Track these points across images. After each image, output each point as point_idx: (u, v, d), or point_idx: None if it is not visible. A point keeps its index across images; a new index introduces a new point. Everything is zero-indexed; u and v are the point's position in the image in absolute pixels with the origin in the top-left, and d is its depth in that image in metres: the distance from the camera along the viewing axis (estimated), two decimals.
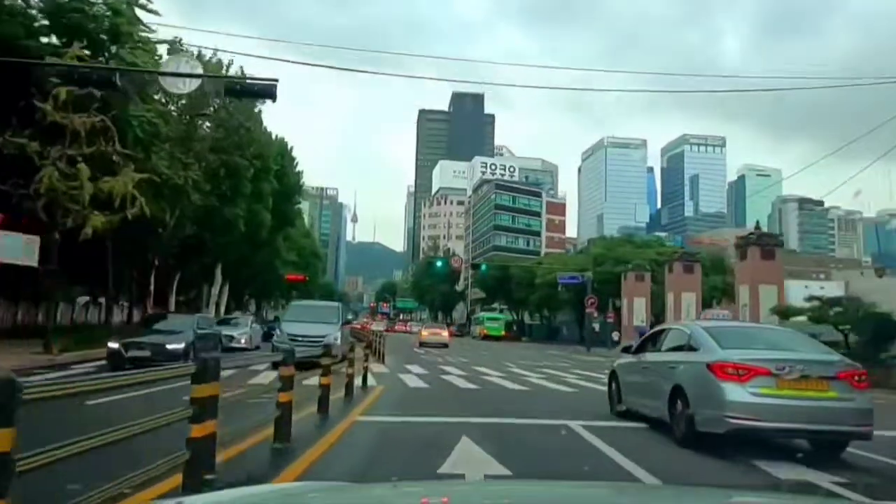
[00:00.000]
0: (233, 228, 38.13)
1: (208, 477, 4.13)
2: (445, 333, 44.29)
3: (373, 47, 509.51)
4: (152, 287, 32.58)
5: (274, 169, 49.09)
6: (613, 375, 10.60)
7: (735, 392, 7.00)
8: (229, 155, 32.42)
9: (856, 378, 7.22)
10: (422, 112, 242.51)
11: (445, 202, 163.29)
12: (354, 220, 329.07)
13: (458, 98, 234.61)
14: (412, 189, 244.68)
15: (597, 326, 44.21)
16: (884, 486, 6.23)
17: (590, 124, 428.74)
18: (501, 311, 76.32)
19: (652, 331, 10.86)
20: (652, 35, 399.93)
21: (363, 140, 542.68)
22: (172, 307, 37.02)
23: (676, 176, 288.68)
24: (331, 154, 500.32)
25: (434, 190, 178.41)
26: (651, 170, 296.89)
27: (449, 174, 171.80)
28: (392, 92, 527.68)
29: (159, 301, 38.18)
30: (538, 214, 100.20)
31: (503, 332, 66.04)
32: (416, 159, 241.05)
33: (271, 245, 56.33)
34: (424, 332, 44.03)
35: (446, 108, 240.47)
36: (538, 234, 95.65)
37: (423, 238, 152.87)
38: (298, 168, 55.17)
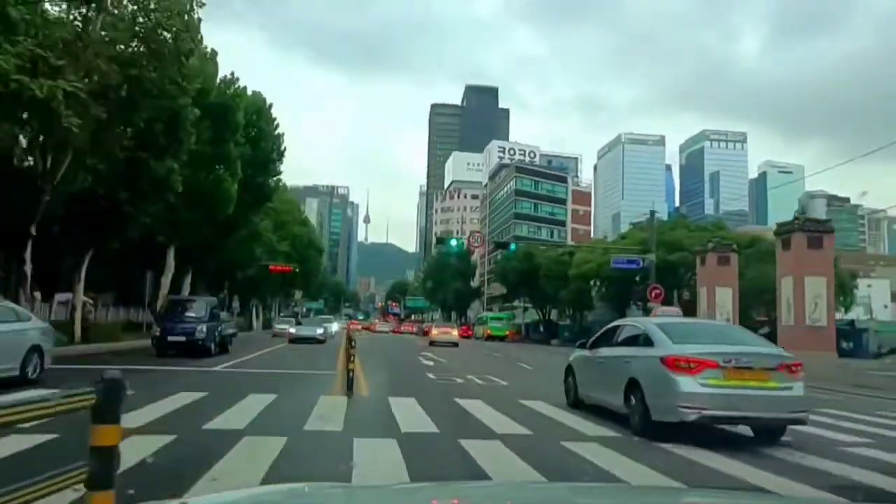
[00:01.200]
0: (164, 190, 26.85)
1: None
2: (455, 332, 43.61)
3: (385, 47, 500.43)
4: (29, 268, 21.28)
5: (241, 124, 37.81)
6: (570, 370, 10.86)
7: (686, 383, 7.42)
8: (140, 69, 21.09)
9: (793, 368, 7.76)
10: (434, 106, 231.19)
11: (459, 196, 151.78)
12: (367, 220, 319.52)
13: (471, 91, 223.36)
14: (424, 188, 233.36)
15: None
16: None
17: (605, 123, 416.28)
18: (526, 308, 64.77)
19: (606, 327, 10.79)
20: (667, 34, 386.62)
21: (376, 141, 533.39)
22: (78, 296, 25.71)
23: (696, 173, 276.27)
24: (343, 155, 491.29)
25: (447, 184, 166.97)
26: (669, 167, 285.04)
27: (462, 166, 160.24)
28: (405, 91, 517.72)
29: (63, 287, 27.21)
30: (563, 202, 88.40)
31: (507, 333, 61.10)
32: (429, 156, 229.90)
33: (246, 226, 45.05)
34: (434, 331, 43.22)
35: (459, 102, 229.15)
36: (563, 223, 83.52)
37: (436, 234, 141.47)
38: (279, 129, 43.73)
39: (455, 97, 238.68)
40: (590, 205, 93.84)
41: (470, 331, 68.50)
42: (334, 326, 32.27)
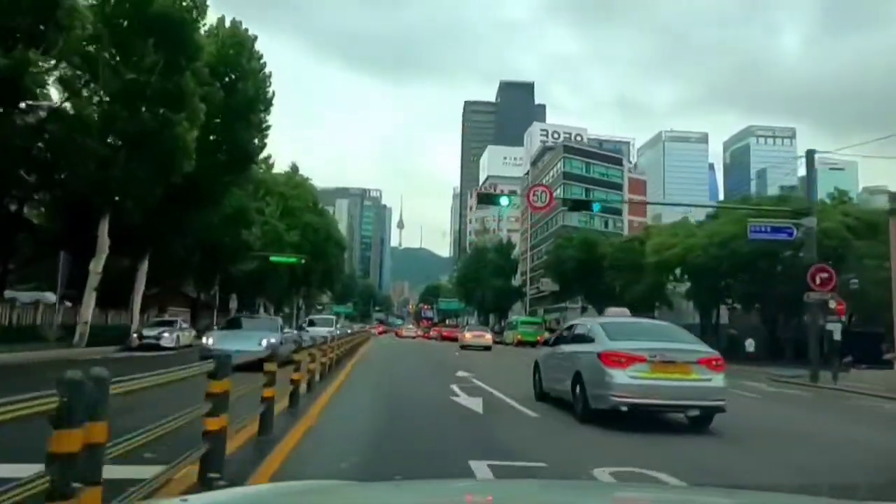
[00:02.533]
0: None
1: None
2: (489, 336, 41.72)
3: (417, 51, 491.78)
4: None
5: (201, 47, 26.79)
6: (536, 366, 11.61)
7: (618, 376, 8.19)
8: None
9: (713, 363, 8.58)
10: (468, 104, 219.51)
11: (495, 192, 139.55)
12: (400, 225, 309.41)
13: (506, 87, 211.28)
14: (457, 190, 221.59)
15: (836, 330, 19.71)
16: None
17: (644, 123, 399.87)
18: (584, 308, 52.31)
19: (565, 326, 12.44)
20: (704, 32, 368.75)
21: (409, 146, 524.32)
22: None
23: (741, 171, 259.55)
24: (376, 160, 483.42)
25: (482, 180, 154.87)
26: (712, 166, 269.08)
27: (498, 161, 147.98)
28: (437, 96, 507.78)
29: None
30: (619, 187, 75.37)
31: (539, 338, 51.27)
32: (462, 156, 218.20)
33: (227, 200, 33.89)
34: (467, 335, 41.72)
35: (493, 99, 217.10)
36: (619, 212, 70.53)
37: (470, 233, 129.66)
38: (266, 69, 32.18)
39: (489, 98, 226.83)
40: (645, 193, 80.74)
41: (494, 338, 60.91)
42: (323, 331, 21.11)
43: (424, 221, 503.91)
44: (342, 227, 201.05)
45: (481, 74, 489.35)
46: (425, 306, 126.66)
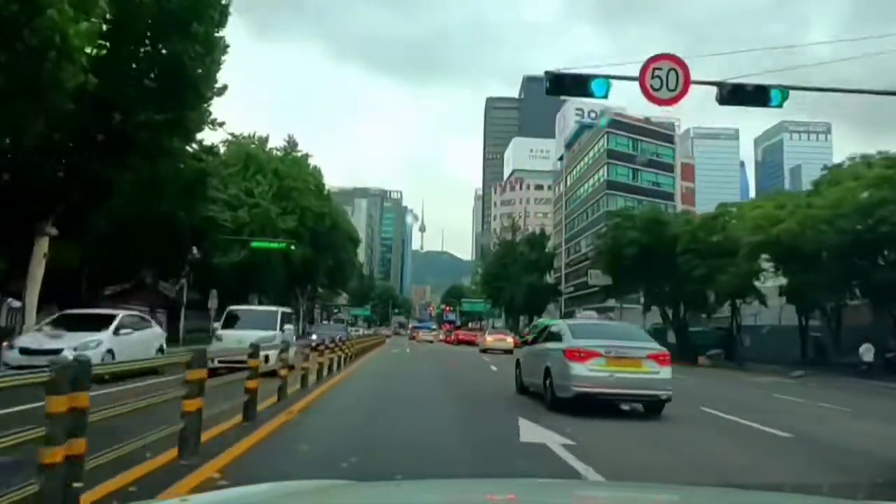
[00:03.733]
0: None
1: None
2: (510, 339, 37.99)
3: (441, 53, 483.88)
4: None
5: None
6: (518, 363, 13.21)
7: (578, 369, 9.48)
8: None
9: (661, 358, 9.80)
10: (489, 100, 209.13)
11: (521, 187, 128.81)
12: (422, 229, 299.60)
13: (530, 82, 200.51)
14: (479, 192, 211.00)
15: None
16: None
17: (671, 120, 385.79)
18: (649, 308, 41.57)
19: (542, 325, 14.41)
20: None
21: (430, 150, 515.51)
22: None
23: (774, 168, 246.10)
24: (397, 164, 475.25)
25: (506, 174, 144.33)
26: (742, 164, 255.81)
27: (524, 154, 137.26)
28: (458, 98, 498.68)
29: None
30: (670, 169, 65.09)
31: None
32: (484, 154, 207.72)
33: (166, 150, 23.89)
34: (488, 339, 39.76)
35: (516, 95, 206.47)
36: (671, 196, 59.28)
37: (494, 231, 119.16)
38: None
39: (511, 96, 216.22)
40: (693, 179, 69.68)
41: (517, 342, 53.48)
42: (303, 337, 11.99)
43: (446, 224, 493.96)
44: (360, 228, 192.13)
45: (503, 76, 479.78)
46: (447, 308, 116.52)
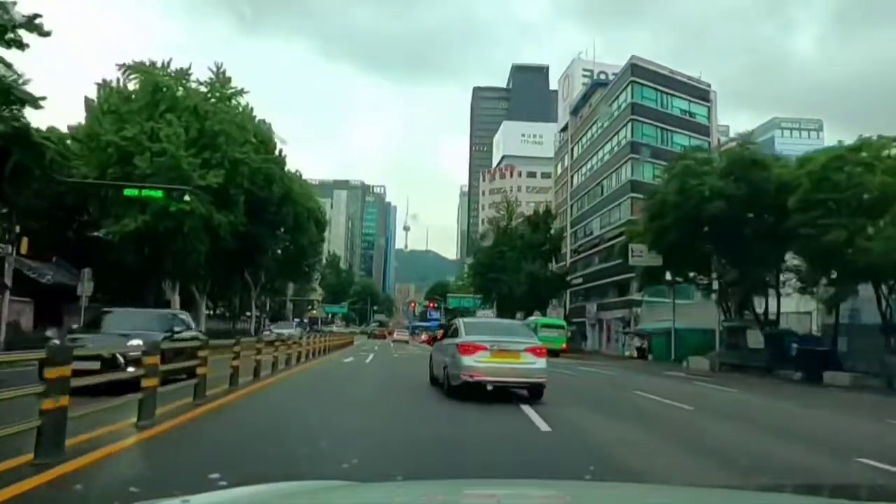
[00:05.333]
0: None
1: None
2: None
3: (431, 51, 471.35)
4: None
5: None
6: (430, 357, 14.34)
7: (467, 360, 10.68)
8: None
9: (537, 351, 11.07)
10: (476, 90, 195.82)
11: (511, 174, 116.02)
12: (406, 228, 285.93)
13: (518, 71, 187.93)
14: (465, 188, 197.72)
15: None
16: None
17: None
18: (728, 293, 28.33)
19: (450, 322, 16.07)
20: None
21: (415, 149, 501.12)
22: None
23: None
24: (381, 161, 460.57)
25: (496, 161, 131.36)
26: None
27: (515, 139, 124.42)
28: (444, 96, 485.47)
29: None
30: (706, 132, 49.18)
31: (563, 346, 42.15)
32: (471, 146, 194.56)
33: None
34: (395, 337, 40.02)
35: (504, 85, 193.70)
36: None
37: (482, 222, 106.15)
38: None
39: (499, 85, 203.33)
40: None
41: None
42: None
43: (431, 224, 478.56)
44: (340, 222, 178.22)
45: (492, 75, 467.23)
46: (431, 304, 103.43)
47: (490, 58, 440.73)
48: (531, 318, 51.67)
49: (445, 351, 11.98)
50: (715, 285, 26.15)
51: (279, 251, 54.04)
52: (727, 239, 24.54)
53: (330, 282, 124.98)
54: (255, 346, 14.18)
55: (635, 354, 39.42)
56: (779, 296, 25.90)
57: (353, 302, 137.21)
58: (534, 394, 11.06)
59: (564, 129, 65.99)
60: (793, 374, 23.53)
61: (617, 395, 14.58)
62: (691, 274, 30.71)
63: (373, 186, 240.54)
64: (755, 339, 26.72)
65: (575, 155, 61.00)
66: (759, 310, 27.05)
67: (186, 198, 24.66)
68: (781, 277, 25.79)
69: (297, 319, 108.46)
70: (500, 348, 10.77)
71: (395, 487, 2.56)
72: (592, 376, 20.45)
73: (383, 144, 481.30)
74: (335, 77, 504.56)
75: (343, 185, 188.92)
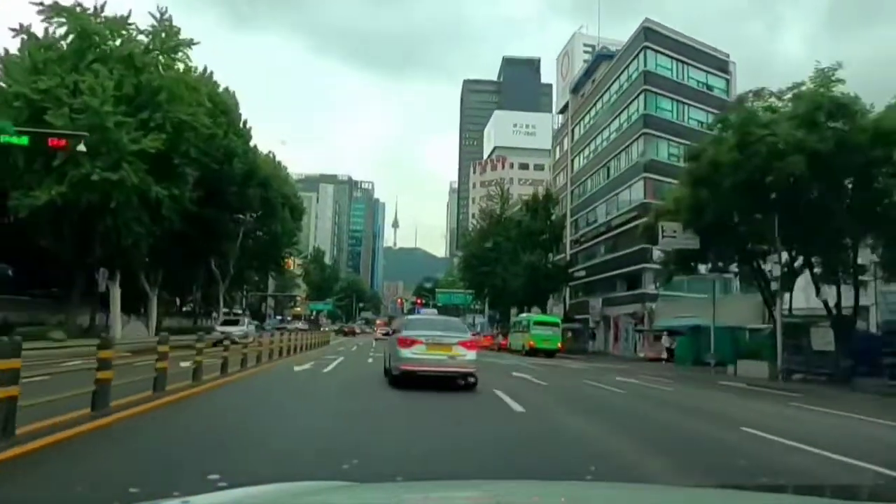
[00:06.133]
0: None
1: None
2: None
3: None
4: None
5: None
6: (384, 351, 15.52)
7: (405, 353, 11.77)
8: None
9: (468, 344, 12.29)
10: (466, 83, 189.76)
11: (503, 166, 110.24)
12: (395, 225, 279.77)
13: (509, 64, 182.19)
14: (454, 185, 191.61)
15: None
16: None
17: None
18: (794, 279, 22.54)
19: (399, 319, 17.90)
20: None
21: (405, 147, 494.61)
22: None
23: None
24: (371, 159, 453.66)
25: (486, 153, 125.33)
26: None
27: (507, 129, 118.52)
28: (433, 95, 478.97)
29: None
30: (724, 109, 45.38)
31: (559, 345, 37.49)
32: (460, 140, 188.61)
33: None
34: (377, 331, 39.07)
35: (495, 78, 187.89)
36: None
37: (473, 216, 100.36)
38: None
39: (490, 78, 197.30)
40: None
41: (492, 340, 48.20)
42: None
43: (421, 223, 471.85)
44: (326, 216, 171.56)
45: (481, 74, 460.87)
46: (418, 301, 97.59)
47: (480, 57, 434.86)
48: (522, 315, 46.23)
49: (392, 344, 13.22)
50: (776, 271, 20.45)
51: (250, 240, 48.04)
52: (796, 211, 18.80)
53: (314, 277, 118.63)
54: (159, 350, 9.70)
55: (664, 356, 33.69)
56: (857, 286, 20.18)
57: (339, 298, 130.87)
58: (466, 383, 12.03)
59: (563, 109, 60.15)
60: (885, 383, 17.90)
61: (723, 437, 8.74)
62: (733, 261, 24.99)
63: (361, 182, 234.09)
64: (822, 338, 21.02)
65: (576, 137, 55.19)
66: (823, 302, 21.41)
67: (81, 147, 18.31)
68: (860, 260, 20.13)
69: (277, 318, 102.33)
70: (434, 342, 11.86)
71: (396, 488, 2.60)
72: (638, 393, 14.73)
73: (373, 144, 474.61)
74: (325, 73, 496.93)
75: (330, 179, 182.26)
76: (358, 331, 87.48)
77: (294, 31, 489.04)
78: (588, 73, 53.63)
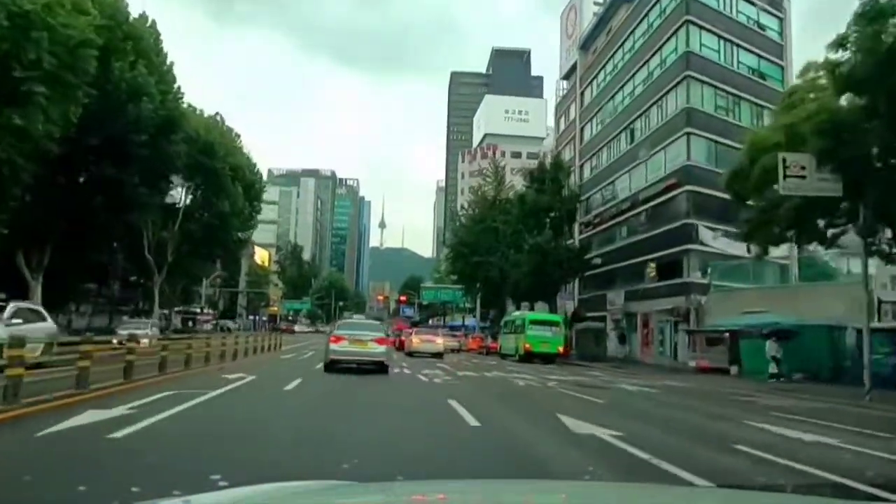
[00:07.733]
0: None
1: None
2: (440, 341, 30.44)
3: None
4: None
5: None
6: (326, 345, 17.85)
7: (334, 346, 16.17)
8: None
9: (381, 341, 16.61)
10: (454, 75, 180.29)
11: (495, 154, 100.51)
12: (382, 225, 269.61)
13: (498, 56, 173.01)
14: (441, 184, 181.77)
15: None
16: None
17: None
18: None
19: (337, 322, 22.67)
20: None
21: (391, 147, 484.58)
22: None
23: None
24: (357, 159, 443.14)
25: (476, 141, 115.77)
26: None
27: (498, 116, 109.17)
28: (420, 94, 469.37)
29: None
30: (778, 53, 33.77)
31: (560, 349, 30.06)
32: (448, 135, 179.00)
33: None
34: (414, 340, 29.64)
35: (484, 71, 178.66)
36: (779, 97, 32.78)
37: (462, 206, 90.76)
38: None
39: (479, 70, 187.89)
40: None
41: (481, 343, 41.35)
42: None
43: (408, 224, 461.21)
44: (307, 211, 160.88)
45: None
46: (402, 299, 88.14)
47: (470, 55, 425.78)
48: (515, 313, 37.02)
49: (326, 342, 17.43)
50: None
51: (191, 222, 38.13)
52: None
53: (291, 274, 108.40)
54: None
55: (731, 367, 24.07)
56: None
57: (318, 297, 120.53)
58: (378, 370, 15.94)
59: (569, 74, 50.57)
60: None
61: None
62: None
63: (345, 179, 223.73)
64: None
65: (586, 101, 45.69)
66: None
67: None
68: None
69: (250, 318, 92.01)
70: (354, 338, 16.19)
71: (397, 487, 2.51)
72: None
73: (361, 143, 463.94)
74: (312, 72, 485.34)
75: (312, 173, 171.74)
76: (296, 329, 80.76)
77: (280, 28, 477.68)
78: (602, 22, 44.10)
